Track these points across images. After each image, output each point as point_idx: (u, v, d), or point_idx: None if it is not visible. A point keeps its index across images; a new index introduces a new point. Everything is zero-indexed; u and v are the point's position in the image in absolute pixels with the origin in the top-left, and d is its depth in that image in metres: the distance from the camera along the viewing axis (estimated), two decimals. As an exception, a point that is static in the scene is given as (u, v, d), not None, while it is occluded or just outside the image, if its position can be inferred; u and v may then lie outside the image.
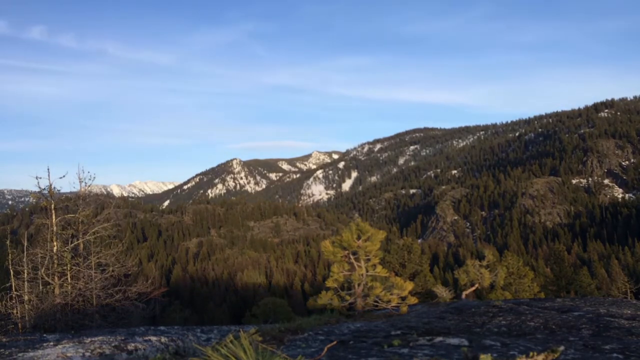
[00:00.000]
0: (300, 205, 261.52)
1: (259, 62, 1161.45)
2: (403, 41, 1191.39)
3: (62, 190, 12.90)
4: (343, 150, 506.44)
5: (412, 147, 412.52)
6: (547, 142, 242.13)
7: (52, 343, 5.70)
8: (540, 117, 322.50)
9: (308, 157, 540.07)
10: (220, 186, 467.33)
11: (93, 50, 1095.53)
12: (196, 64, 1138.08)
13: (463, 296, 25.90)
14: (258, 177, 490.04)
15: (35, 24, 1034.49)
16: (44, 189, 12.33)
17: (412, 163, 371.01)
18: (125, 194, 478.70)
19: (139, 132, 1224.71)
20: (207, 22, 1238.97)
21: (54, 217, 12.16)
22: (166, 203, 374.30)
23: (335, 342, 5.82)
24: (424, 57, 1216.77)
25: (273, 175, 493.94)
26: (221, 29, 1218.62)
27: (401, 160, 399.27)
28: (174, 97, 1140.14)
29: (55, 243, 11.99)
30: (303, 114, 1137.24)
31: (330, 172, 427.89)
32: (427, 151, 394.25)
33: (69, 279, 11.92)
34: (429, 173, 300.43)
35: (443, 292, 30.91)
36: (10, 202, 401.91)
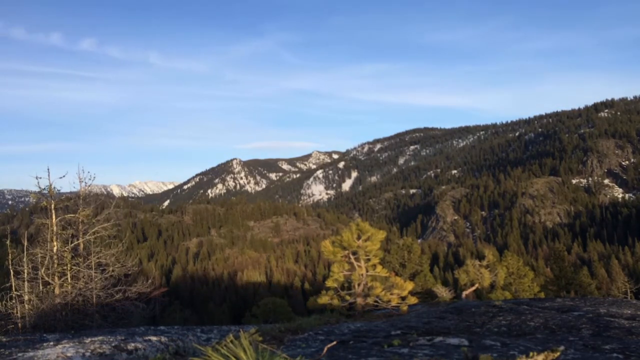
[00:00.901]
0: (300, 205, 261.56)
1: (286, 69, 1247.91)
2: (419, 49, 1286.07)
3: (62, 190, 12.92)
4: (343, 150, 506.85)
5: (412, 147, 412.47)
6: (547, 142, 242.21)
7: (52, 343, 5.70)
8: (540, 117, 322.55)
9: (308, 157, 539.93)
10: (220, 186, 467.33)
11: (137, 60, 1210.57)
12: (228, 71, 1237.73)
13: (463, 296, 25.91)
14: (258, 177, 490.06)
15: (88, 37, 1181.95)
16: (44, 189, 12.33)
17: (412, 163, 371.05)
18: (125, 194, 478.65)
19: (146, 133, 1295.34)
20: (245, 34, 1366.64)
21: (54, 217, 12.16)
22: (166, 203, 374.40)
23: (335, 342, 5.82)
24: (437, 63, 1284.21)
25: (273, 175, 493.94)
26: (256, 40, 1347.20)
27: (401, 160, 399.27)
28: (196, 102, 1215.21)
29: (55, 243, 11.99)
30: (318, 117, 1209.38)
31: (330, 172, 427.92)
32: (427, 151, 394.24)
33: (69, 279, 11.92)
34: (429, 173, 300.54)
35: (443, 292, 30.92)
36: (10, 202, 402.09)
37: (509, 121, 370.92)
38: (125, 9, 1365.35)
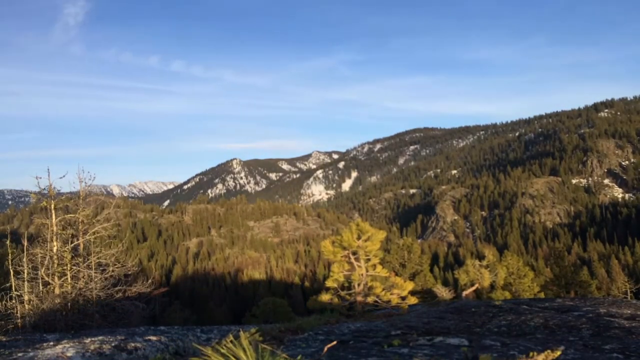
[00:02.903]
0: (300, 205, 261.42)
1: (338, 82, 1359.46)
2: (457, 64, 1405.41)
3: (62, 190, 12.92)
4: (343, 150, 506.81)
5: (412, 147, 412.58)
6: (547, 142, 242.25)
7: (52, 343, 5.70)
8: (540, 117, 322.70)
9: (308, 157, 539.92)
10: (220, 186, 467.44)
11: (213, 76, 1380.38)
12: (286, 85, 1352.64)
13: (463, 296, 25.93)
14: (258, 177, 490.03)
15: (179, 59, 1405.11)
16: (44, 189, 12.33)
17: (412, 163, 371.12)
18: (125, 194, 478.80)
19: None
20: (315, 55, 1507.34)
21: (54, 217, 12.16)
22: (166, 203, 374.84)
23: (335, 342, 5.82)
24: (471, 75, 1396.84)
25: (273, 175, 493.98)
26: (322, 58, 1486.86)
27: (401, 160, 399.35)
28: (250, 110, 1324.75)
29: (55, 243, 11.99)
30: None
31: (330, 172, 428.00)
32: (427, 151, 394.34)
33: (69, 279, 11.92)
34: (429, 173, 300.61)
35: (443, 292, 30.94)
36: (10, 202, 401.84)
37: (509, 121, 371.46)
38: (213, 33, 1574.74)
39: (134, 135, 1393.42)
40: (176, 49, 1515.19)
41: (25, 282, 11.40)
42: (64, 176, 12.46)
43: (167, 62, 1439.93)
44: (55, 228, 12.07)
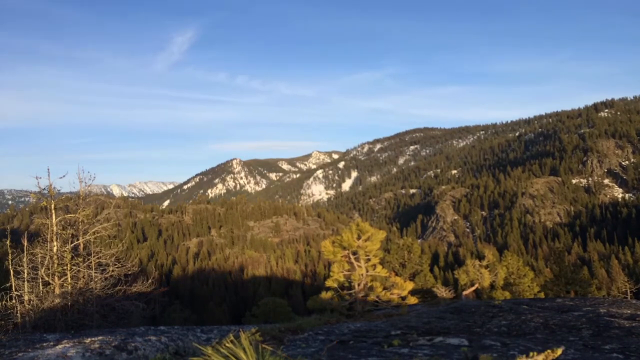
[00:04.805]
0: (300, 205, 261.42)
1: (380, 92, 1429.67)
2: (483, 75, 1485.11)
3: (62, 190, 12.91)
4: (343, 150, 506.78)
5: (412, 147, 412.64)
6: (547, 142, 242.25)
7: (52, 343, 5.70)
8: (540, 117, 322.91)
9: (308, 157, 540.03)
10: (220, 186, 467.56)
11: (267, 89, 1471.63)
12: (332, 96, 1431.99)
13: (463, 296, 25.93)
14: (258, 177, 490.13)
15: (242, 74, 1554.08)
16: (44, 189, 12.33)
17: (412, 163, 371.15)
18: (125, 194, 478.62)
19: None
20: (364, 68, 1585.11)
21: (54, 217, 12.16)
22: (166, 203, 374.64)
23: (335, 342, 5.82)
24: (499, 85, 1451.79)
25: (273, 175, 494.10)
26: (370, 71, 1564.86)
27: (401, 160, 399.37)
28: (295, 117, 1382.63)
29: (55, 243, 11.98)
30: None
31: (330, 172, 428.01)
32: (427, 151, 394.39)
33: (69, 279, 11.92)
34: (429, 173, 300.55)
35: (443, 292, 30.94)
36: (10, 202, 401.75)
37: (509, 121, 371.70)
38: (269, 51, 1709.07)
39: (178, 139, 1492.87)
40: (242, 67, 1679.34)
41: (25, 282, 11.39)
42: (64, 176, 12.47)
43: (233, 77, 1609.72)
44: (55, 228, 12.06)
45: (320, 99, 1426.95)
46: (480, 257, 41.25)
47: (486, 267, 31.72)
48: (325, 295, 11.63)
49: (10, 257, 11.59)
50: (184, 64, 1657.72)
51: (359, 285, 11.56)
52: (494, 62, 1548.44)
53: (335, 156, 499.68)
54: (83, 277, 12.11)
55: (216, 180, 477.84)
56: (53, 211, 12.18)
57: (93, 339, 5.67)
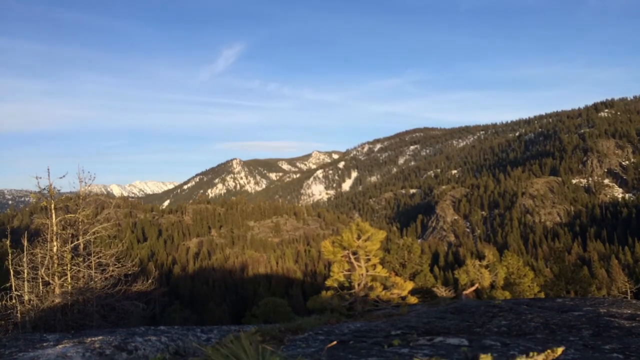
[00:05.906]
0: (300, 205, 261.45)
1: (399, 97, 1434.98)
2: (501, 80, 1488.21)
3: (62, 190, 12.91)
4: (343, 150, 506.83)
5: (412, 147, 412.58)
6: (547, 142, 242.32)
7: (52, 343, 5.70)
8: (540, 117, 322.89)
9: (308, 157, 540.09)
10: (220, 186, 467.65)
11: (294, 95, 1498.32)
12: (353, 100, 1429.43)
13: (463, 296, 25.92)
14: (258, 177, 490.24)
15: (273, 82, 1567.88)
16: (44, 188, 12.33)
17: (412, 163, 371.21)
18: (125, 194, 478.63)
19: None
20: (387, 75, 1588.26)
21: (54, 217, 12.16)
22: (166, 203, 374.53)
23: (335, 342, 5.82)
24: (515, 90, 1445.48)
25: (273, 175, 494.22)
26: (393, 78, 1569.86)
27: (401, 160, 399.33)
28: (309, 120, 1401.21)
29: (55, 243, 11.99)
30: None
31: (330, 172, 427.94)
32: (427, 151, 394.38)
33: (69, 279, 11.92)
34: (429, 173, 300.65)
35: (443, 292, 30.94)
36: (10, 202, 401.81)
37: (509, 121, 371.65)
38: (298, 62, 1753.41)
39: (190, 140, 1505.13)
40: (274, 75, 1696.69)
41: (25, 282, 11.39)
42: (64, 176, 12.48)
43: (265, 84, 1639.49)
44: (55, 228, 12.06)
45: (341, 104, 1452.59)
46: (481, 257, 41.24)
47: (486, 267, 31.73)
48: (325, 295, 11.64)
49: (10, 257, 11.59)
50: (225, 73, 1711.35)
51: (359, 285, 11.56)
52: (495, 66, 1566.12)
53: (335, 156, 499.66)
54: (83, 277, 12.11)
55: (216, 180, 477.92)
56: (53, 211, 12.18)
57: (93, 339, 5.67)
